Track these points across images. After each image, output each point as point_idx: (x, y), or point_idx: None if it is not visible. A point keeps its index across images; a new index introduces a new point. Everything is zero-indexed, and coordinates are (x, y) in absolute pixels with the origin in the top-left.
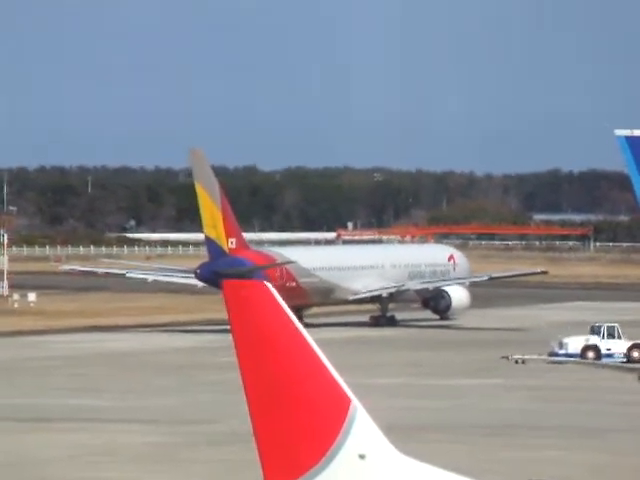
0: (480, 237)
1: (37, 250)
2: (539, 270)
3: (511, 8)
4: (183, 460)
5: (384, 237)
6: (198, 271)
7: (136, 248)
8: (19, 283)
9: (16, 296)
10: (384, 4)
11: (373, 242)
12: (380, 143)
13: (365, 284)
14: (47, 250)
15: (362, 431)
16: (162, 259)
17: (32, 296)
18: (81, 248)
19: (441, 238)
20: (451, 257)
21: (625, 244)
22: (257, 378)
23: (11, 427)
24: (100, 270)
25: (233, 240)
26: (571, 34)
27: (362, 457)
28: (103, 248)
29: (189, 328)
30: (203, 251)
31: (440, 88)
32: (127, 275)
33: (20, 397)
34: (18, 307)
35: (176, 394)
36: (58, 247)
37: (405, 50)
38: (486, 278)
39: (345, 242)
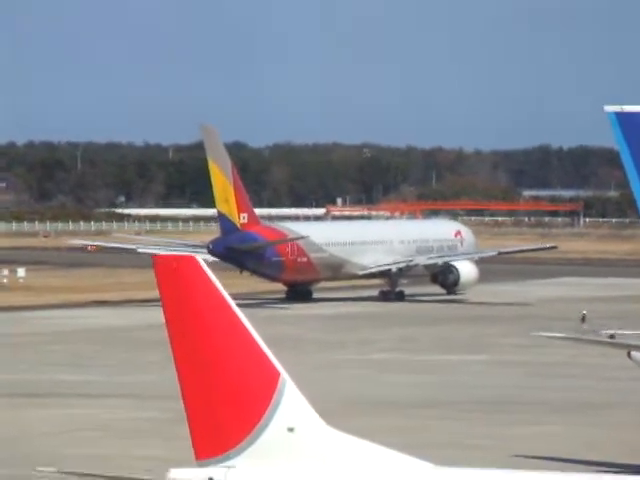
0: (469, 213)
1: (26, 226)
2: (548, 245)
3: None
4: (174, 436)
5: (373, 213)
6: (210, 246)
7: (125, 224)
8: (8, 259)
9: (5, 272)
10: None
11: (362, 218)
12: (369, 119)
13: (374, 259)
14: (36, 226)
15: (291, 404)
16: (152, 235)
17: (21, 272)
18: (70, 224)
19: (430, 214)
20: (458, 232)
21: (614, 220)
22: (187, 353)
23: None
24: (110, 245)
25: (245, 215)
26: (560, 12)
27: (291, 430)
28: (92, 223)
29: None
30: (191, 226)
31: (429, 65)
32: (138, 250)
33: (7, 373)
34: (7, 283)
35: (165, 370)
36: (47, 223)
37: (394, 29)
38: (495, 253)
39: (334, 218)
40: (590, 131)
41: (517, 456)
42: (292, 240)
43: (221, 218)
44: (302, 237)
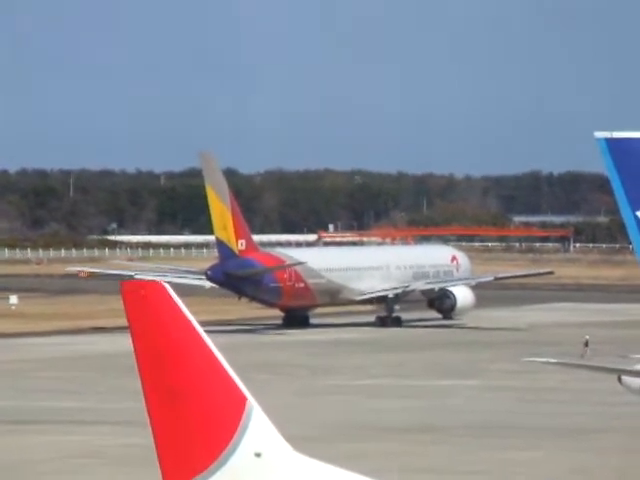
0: (460, 239)
1: (18, 253)
2: (544, 271)
3: (485, 11)
4: None
5: (364, 239)
6: (209, 272)
7: (118, 250)
8: (0, 286)
9: None
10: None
11: (354, 244)
12: (360, 146)
13: (371, 285)
14: (28, 253)
15: (258, 429)
16: (145, 261)
17: (14, 299)
18: (63, 251)
19: (421, 240)
20: (454, 258)
21: (605, 245)
22: (154, 379)
23: None
24: (108, 272)
25: (243, 241)
26: (551, 37)
27: (258, 455)
28: (85, 250)
29: None
30: (183, 253)
31: (419, 91)
32: (135, 277)
33: (0, 399)
34: None
35: None
36: (40, 250)
37: (384, 54)
38: (491, 278)
39: (326, 244)
40: (580, 157)
41: None
42: (290, 266)
43: (219, 244)
44: (300, 263)
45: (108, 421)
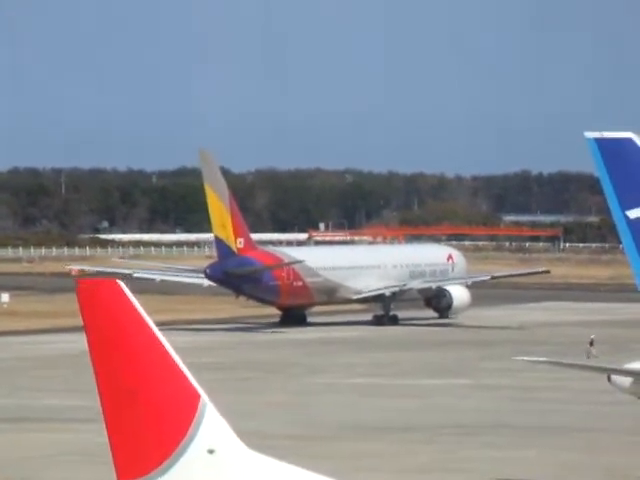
0: (450, 238)
1: (10, 252)
2: (541, 270)
3: (473, 12)
4: None
5: (356, 238)
6: (207, 271)
7: (109, 249)
8: None
9: None
10: (360, 8)
11: (345, 243)
12: (351, 145)
13: (368, 283)
14: (20, 251)
15: (211, 427)
16: (136, 260)
17: (5, 297)
18: (54, 249)
19: (412, 239)
20: (450, 257)
21: (594, 245)
22: (108, 376)
23: None
24: (108, 270)
25: (241, 240)
26: (539, 37)
27: (211, 452)
28: (76, 249)
29: (159, 328)
30: (175, 251)
31: (410, 91)
32: (134, 275)
33: None
34: None
35: None
36: (32, 248)
37: (376, 53)
38: (488, 277)
39: (317, 243)
40: (570, 157)
41: None
42: (288, 264)
43: (218, 243)
44: (298, 261)
45: (100, 419)
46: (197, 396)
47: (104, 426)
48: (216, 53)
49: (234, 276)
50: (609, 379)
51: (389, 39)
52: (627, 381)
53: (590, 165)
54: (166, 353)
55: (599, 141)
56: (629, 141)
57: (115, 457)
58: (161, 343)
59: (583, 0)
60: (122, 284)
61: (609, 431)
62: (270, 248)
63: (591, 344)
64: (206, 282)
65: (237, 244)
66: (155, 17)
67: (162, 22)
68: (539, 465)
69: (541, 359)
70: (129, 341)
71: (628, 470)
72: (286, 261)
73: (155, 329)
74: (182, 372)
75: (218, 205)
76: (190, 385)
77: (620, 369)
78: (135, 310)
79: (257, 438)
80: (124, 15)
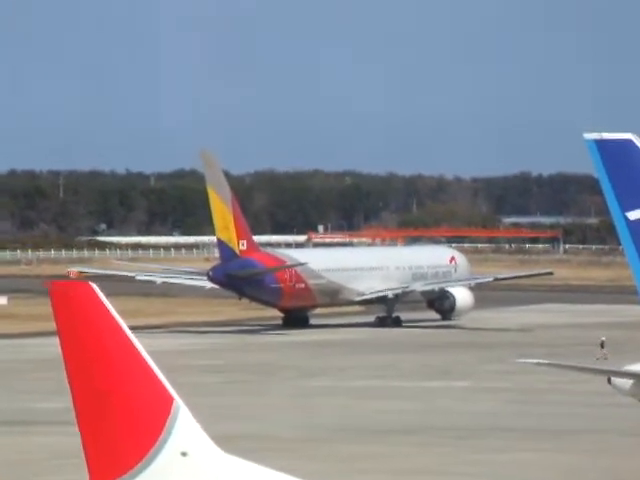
0: (450, 240)
1: (8, 254)
2: (544, 271)
3: (472, 12)
4: None
5: (355, 240)
6: (210, 273)
7: (107, 251)
8: None
9: None
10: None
11: (344, 245)
12: (350, 146)
13: (371, 285)
14: (18, 254)
15: (184, 429)
16: (134, 262)
17: (3, 299)
18: (52, 252)
19: (411, 241)
20: (452, 259)
21: (594, 246)
22: (81, 379)
23: None
24: (109, 272)
25: (244, 242)
26: (540, 38)
27: (184, 454)
28: (74, 252)
29: (158, 331)
30: (173, 254)
31: (409, 92)
32: (137, 278)
33: None
34: None
35: None
36: (29, 251)
37: (374, 55)
38: (491, 279)
39: (316, 245)
40: (570, 158)
41: None
42: (291, 267)
43: (220, 245)
44: (300, 264)
45: None
46: (170, 399)
47: (77, 429)
48: (215, 54)
49: (237, 278)
50: (609, 381)
51: (389, 40)
52: (628, 383)
53: (590, 166)
54: (139, 356)
55: (599, 142)
56: (629, 142)
57: (88, 459)
58: (134, 346)
59: (583, 1)
60: (95, 287)
61: (610, 433)
62: (273, 250)
63: (602, 346)
64: (208, 284)
65: (240, 246)
66: (154, 18)
67: (161, 23)
68: (539, 468)
69: (541, 361)
70: (102, 344)
71: (629, 473)
72: (289, 263)
73: (128, 332)
74: (155, 375)
75: (221, 207)
76: (163, 388)
77: (620, 371)
78: (108, 313)
79: (256, 440)
80: (122, 17)
